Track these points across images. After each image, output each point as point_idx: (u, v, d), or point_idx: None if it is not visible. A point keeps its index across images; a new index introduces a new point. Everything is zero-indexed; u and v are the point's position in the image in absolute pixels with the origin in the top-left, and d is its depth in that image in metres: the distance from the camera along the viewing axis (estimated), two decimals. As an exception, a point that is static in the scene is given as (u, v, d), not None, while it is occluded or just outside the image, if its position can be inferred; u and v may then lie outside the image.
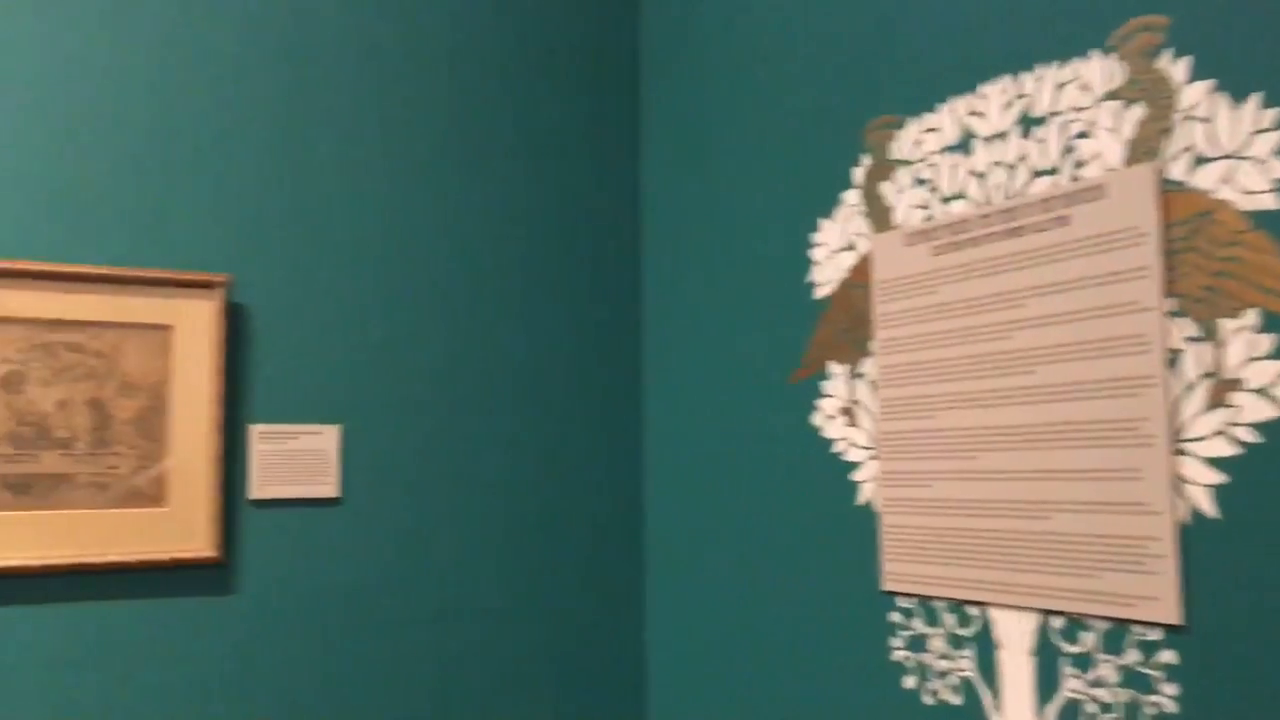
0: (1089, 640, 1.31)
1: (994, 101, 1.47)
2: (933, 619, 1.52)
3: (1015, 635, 1.40)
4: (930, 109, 1.56)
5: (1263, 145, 1.15)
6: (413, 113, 2.05)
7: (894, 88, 1.63)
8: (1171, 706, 1.22)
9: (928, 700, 1.52)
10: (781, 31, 1.87)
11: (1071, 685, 1.32)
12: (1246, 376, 1.16)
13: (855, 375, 1.67)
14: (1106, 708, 1.28)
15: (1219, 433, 1.18)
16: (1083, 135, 1.35)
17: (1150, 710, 1.24)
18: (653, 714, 2.15)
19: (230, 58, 1.90)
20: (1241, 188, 1.17)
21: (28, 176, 1.75)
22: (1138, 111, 1.28)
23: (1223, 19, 1.20)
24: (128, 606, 1.77)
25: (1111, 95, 1.31)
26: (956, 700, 1.48)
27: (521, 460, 2.10)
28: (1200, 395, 1.20)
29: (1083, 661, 1.31)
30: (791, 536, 1.80)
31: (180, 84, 1.86)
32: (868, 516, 1.64)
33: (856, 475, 1.67)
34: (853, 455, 1.68)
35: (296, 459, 1.89)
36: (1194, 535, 1.20)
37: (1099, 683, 1.29)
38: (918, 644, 1.55)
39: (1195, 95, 1.22)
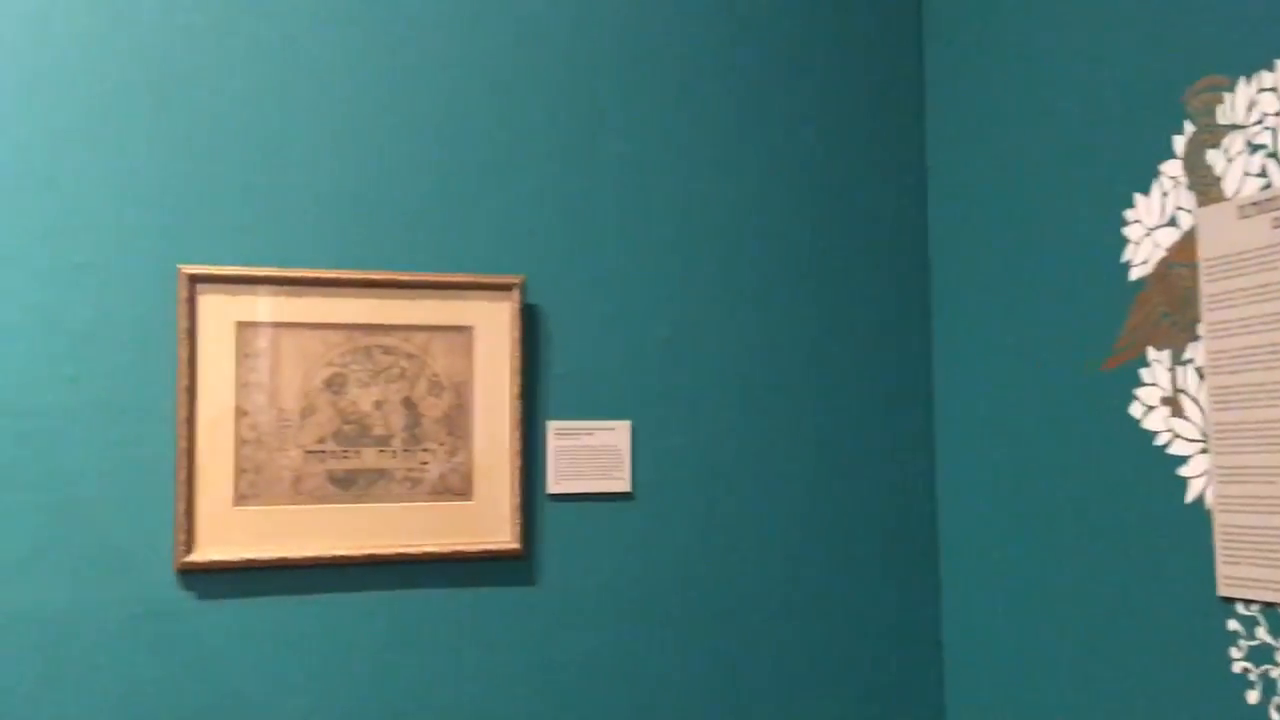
0: None
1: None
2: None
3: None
4: (1268, 67, 1.41)
5: None
6: (693, 109, 2.06)
7: (1221, 46, 1.49)
8: None
9: (1277, 718, 1.38)
10: (1082, -4, 1.75)
11: None
12: None
13: (1179, 362, 1.54)
14: None
15: None
16: None
17: None
18: None
19: (515, 67, 1.97)
20: None
21: (344, 194, 1.87)
22: None
23: None
24: (439, 595, 1.86)
25: None
26: (1314, 720, 1.34)
27: (810, 453, 2.07)
28: None
29: None
30: (1107, 537, 1.67)
31: (470, 98, 1.94)
32: (1198, 515, 1.51)
33: (1184, 470, 1.53)
34: (1179, 448, 1.54)
35: (590, 455, 1.94)
36: None
37: None
38: (1262, 655, 1.41)
39: None
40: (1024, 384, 1.88)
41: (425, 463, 1.85)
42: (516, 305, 1.89)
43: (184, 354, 1.74)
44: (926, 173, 2.17)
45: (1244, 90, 1.45)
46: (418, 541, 1.84)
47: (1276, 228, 1.38)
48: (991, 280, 1.97)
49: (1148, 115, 1.61)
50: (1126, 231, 1.65)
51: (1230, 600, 1.45)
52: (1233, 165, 1.46)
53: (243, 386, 1.78)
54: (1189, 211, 1.53)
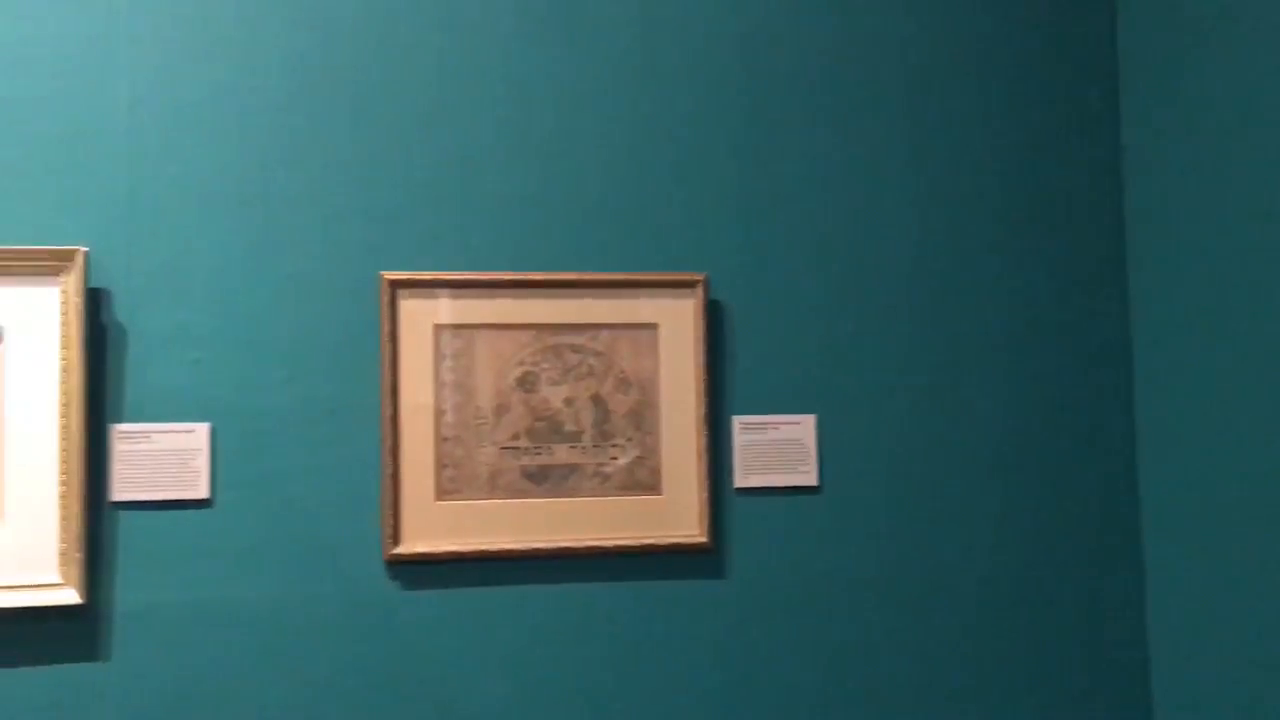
0: None
1: None
2: None
3: None
4: None
5: None
6: (878, 101, 2.03)
7: None
8: None
9: None
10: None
11: None
12: None
13: None
14: None
15: None
16: None
17: None
18: (1158, 720, 1.98)
19: (697, 66, 1.99)
20: None
21: (530, 198, 1.93)
22: None
23: None
24: (630, 587, 1.90)
25: None
26: None
27: (999, 447, 2.01)
28: None
29: None
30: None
31: (652, 99, 1.97)
32: None
33: None
34: None
35: (776, 449, 1.94)
36: None
37: None
38: None
39: None
40: (1230, 377, 1.78)
41: (614, 458, 1.89)
42: (700, 302, 1.91)
43: (387, 356, 1.83)
44: (1121, 159, 2.08)
45: None
46: (608, 535, 1.88)
47: None
48: (1192, 268, 1.88)
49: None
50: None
51: None
52: None
53: (441, 386, 1.86)
54: None
